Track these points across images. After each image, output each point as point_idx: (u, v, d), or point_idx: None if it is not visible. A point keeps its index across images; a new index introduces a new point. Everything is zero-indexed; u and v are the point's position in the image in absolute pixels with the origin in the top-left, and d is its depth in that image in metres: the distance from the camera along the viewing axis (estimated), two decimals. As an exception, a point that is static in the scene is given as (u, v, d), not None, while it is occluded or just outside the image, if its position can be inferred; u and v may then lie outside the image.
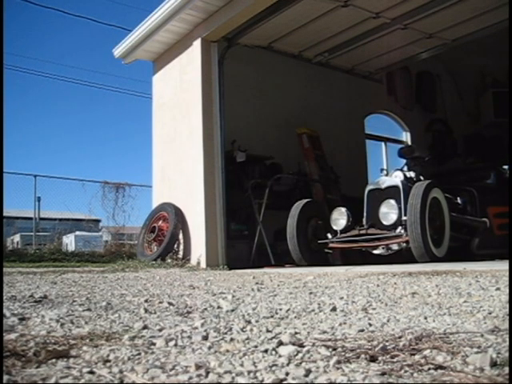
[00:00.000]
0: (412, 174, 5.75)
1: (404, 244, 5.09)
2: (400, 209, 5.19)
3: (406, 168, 6.01)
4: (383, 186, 5.64)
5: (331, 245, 5.83)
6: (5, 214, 10.11)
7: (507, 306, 1.76)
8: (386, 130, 10.35)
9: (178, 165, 7.26)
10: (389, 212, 5.32)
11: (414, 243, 4.80)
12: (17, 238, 12.66)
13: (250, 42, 7.61)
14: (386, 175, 5.81)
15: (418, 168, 5.95)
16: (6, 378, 0.93)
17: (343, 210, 5.85)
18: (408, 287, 2.56)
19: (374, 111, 9.89)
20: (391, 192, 5.47)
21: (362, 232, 5.50)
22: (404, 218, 5.06)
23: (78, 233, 12.53)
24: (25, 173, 11.77)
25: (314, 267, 5.36)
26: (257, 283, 3.24)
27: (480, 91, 10.63)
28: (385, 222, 5.32)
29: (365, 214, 5.67)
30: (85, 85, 41.59)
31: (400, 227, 5.08)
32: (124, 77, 57.11)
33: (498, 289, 2.26)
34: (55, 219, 12.27)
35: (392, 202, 5.33)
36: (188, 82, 7.12)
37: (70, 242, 12.05)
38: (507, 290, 2.17)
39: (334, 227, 5.81)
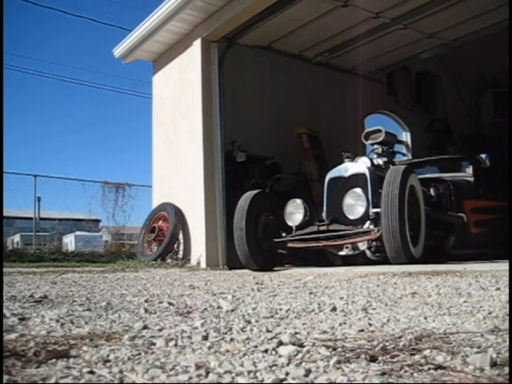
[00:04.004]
0: (380, 161, 4.97)
1: (373, 242, 4.37)
2: (368, 200, 4.46)
3: (375, 156, 5.18)
4: (347, 174, 4.85)
5: (289, 244, 5.06)
6: (5, 214, 10.12)
7: (507, 305, 1.76)
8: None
9: (178, 165, 7.26)
10: (355, 204, 4.54)
11: (390, 240, 4.01)
12: (17, 237, 12.66)
13: (250, 42, 7.61)
14: (351, 161, 5.01)
15: (387, 154, 5.11)
16: (6, 377, 0.93)
17: (299, 201, 5.02)
18: (408, 287, 2.56)
19: (373, 111, 9.90)
20: (356, 181, 4.72)
21: (322, 228, 4.68)
22: (372, 210, 4.38)
23: (78, 233, 12.53)
24: (25, 173, 11.78)
25: (314, 268, 5.25)
26: (257, 283, 3.24)
27: (480, 91, 10.63)
28: (350, 216, 4.54)
29: (325, 208, 4.94)
30: (85, 85, 41.64)
31: (368, 222, 4.35)
32: (124, 77, 57.32)
33: (498, 289, 2.26)
34: (55, 219, 12.28)
35: (358, 191, 4.54)
36: (188, 82, 7.13)
37: (70, 242, 12.06)
38: (507, 290, 2.17)
39: (289, 223, 5.00)
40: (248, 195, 5.18)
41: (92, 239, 12.15)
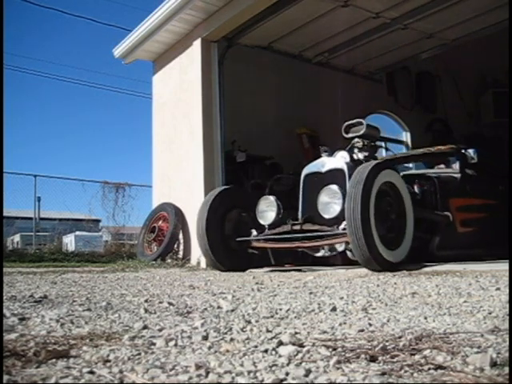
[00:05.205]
0: (360, 156, 4.61)
1: (350, 245, 4.00)
2: (345, 198, 4.06)
3: (355, 150, 4.77)
4: (324, 170, 4.57)
5: (255, 244, 4.77)
6: (5, 214, 10.11)
7: (507, 305, 1.76)
8: (386, 130, 10.36)
9: (178, 165, 7.26)
10: (330, 202, 4.22)
11: (355, 245, 3.70)
12: (17, 237, 12.66)
13: (250, 42, 7.61)
14: (330, 156, 4.69)
15: (368, 148, 4.71)
16: (6, 378, 0.93)
17: (272, 198, 4.74)
18: (408, 287, 2.56)
19: (373, 111, 9.89)
20: (334, 177, 4.43)
21: (295, 228, 4.41)
22: None
23: (78, 233, 12.54)
24: (25, 173, 11.80)
25: (313, 267, 5.18)
26: (257, 283, 3.24)
27: (480, 91, 10.64)
28: (325, 215, 4.23)
29: (300, 205, 4.66)
30: (85, 85, 41.80)
31: (345, 222, 3.97)
32: (124, 77, 57.45)
33: (498, 289, 2.26)
34: (55, 219, 12.29)
35: (334, 188, 4.23)
36: (188, 81, 7.13)
37: (70, 242, 12.07)
38: (507, 290, 2.17)
39: (261, 221, 4.72)
40: (214, 190, 4.99)
41: (92, 239, 12.16)
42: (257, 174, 7.39)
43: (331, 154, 4.72)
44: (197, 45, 6.95)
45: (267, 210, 4.74)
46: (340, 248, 4.32)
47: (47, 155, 62.58)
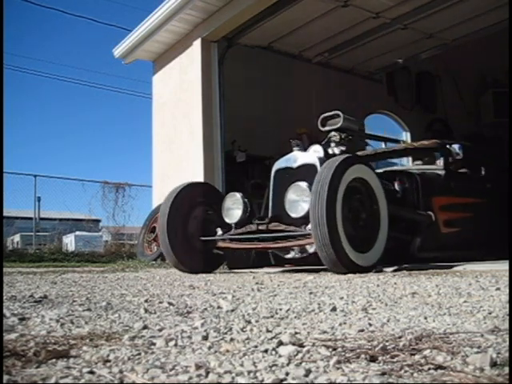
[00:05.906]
0: (337, 150, 4.29)
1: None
2: None
3: (332, 144, 4.46)
4: (295, 165, 4.32)
5: (220, 244, 4.49)
6: (5, 214, 10.12)
7: (507, 305, 1.76)
8: (386, 130, 10.37)
9: (178, 165, 7.26)
10: (298, 200, 3.91)
11: (321, 247, 3.44)
12: (17, 237, 12.67)
13: (250, 42, 7.61)
14: (303, 151, 4.41)
15: (346, 142, 4.39)
16: (6, 378, 0.93)
17: (238, 195, 4.43)
18: (408, 287, 2.55)
19: (373, 111, 9.90)
20: (306, 172, 4.12)
21: (261, 228, 4.13)
22: None
23: (78, 233, 12.54)
24: (25, 173, 11.83)
25: (313, 267, 5.15)
26: (257, 283, 3.24)
27: (480, 91, 10.64)
28: (293, 214, 3.93)
29: (270, 203, 4.39)
30: (85, 85, 41.84)
31: None
32: (124, 77, 57.51)
33: (498, 289, 2.26)
34: (55, 219, 12.30)
35: (303, 185, 3.90)
36: (188, 81, 7.13)
37: (70, 242, 12.07)
38: (507, 290, 2.17)
39: (227, 219, 4.42)
40: (178, 186, 4.62)
41: (92, 239, 12.16)
42: (257, 174, 7.39)
43: (304, 148, 4.46)
44: (197, 45, 6.95)
45: (233, 207, 4.43)
46: (311, 249, 4.01)
47: (47, 155, 62.75)
